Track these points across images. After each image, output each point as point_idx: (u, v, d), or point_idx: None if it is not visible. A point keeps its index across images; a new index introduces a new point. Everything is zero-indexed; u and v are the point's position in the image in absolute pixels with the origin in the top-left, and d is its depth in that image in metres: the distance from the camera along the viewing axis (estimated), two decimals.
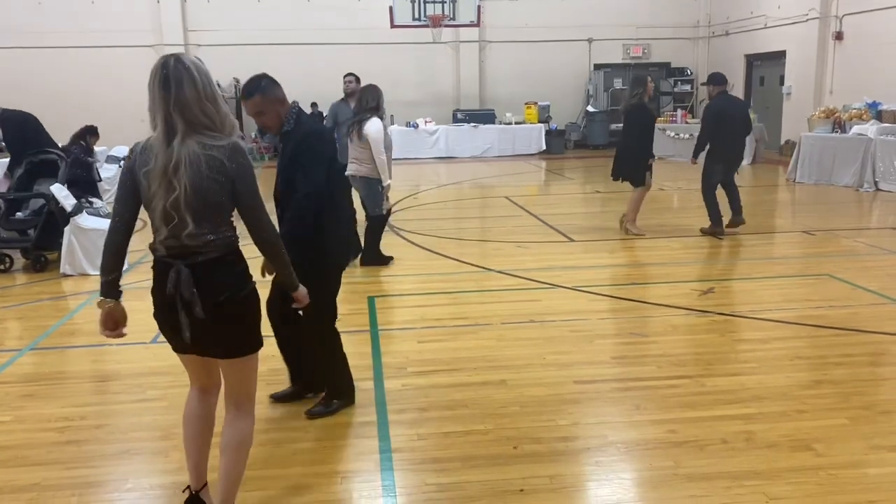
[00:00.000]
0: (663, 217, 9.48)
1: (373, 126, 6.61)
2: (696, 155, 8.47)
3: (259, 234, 2.72)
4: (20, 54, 18.20)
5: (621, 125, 8.68)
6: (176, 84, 2.48)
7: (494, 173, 15.16)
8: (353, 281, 6.83)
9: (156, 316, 2.71)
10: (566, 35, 19.86)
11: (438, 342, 5.04)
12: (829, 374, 4.27)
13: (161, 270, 2.63)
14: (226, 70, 18.97)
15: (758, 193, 11.97)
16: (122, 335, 2.72)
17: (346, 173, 6.69)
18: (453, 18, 16.48)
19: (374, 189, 6.85)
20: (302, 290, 2.97)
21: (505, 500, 3.05)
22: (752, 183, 13.15)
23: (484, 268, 7.09)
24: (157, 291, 2.65)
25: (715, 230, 8.25)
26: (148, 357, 4.67)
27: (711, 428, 3.62)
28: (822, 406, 3.86)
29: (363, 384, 4.28)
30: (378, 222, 7.13)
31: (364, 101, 6.68)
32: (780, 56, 17.03)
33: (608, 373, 4.39)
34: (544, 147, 18.87)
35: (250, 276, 2.72)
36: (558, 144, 19.16)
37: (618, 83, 20.26)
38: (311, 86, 19.20)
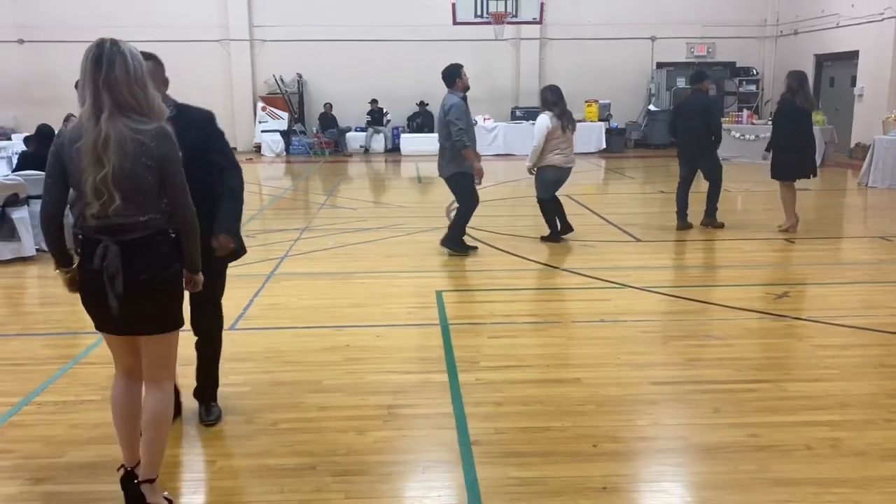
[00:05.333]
0: (731, 218, 9.28)
1: None
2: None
3: (180, 214, 2.76)
4: None
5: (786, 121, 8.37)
6: (108, 63, 2.58)
7: None
8: (421, 275, 6.89)
9: (82, 293, 2.81)
10: (629, 33, 19.64)
11: (509, 338, 5.05)
12: None
13: (88, 247, 2.72)
14: (289, 65, 19.36)
15: (828, 197, 11.66)
16: None
17: (567, 165, 7.79)
18: (516, 15, 16.44)
19: None
20: (200, 276, 2.99)
21: (588, 496, 3.05)
22: (821, 186, 12.78)
23: (550, 266, 7.07)
24: (84, 267, 2.75)
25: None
26: (228, 343, 4.72)
27: (795, 433, 3.56)
28: None
29: (437, 377, 4.34)
30: None
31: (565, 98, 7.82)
32: (852, 56, 16.52)
33: (684, 375, 4.34)
34: (604, 146, 18.70)
35: (176, 258, 2.83)
36: (618, 143, 18.97)
37: (680, 82, 19.90)
38: (372, 82, 19.43)
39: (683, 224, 8.51)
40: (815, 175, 8.51)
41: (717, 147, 8.48)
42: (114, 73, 2.58)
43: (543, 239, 8.00)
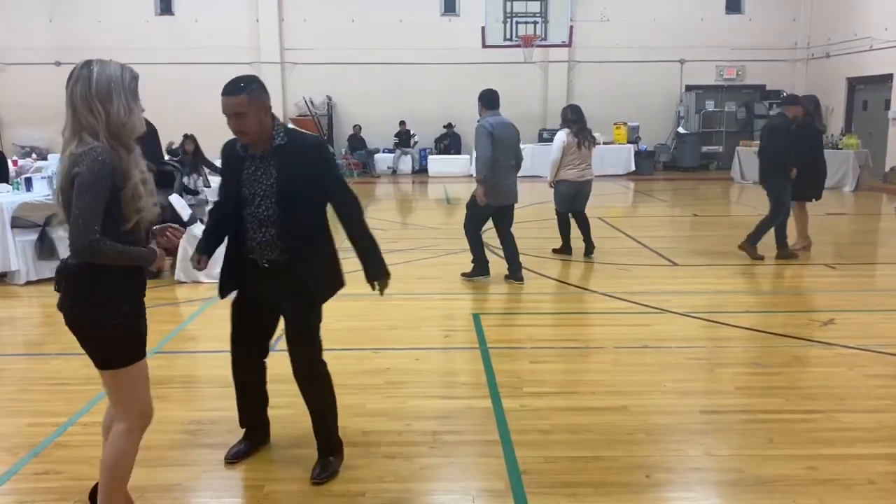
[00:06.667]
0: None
1: None
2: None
3: (70, 239, 2.56)
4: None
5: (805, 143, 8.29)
6: (73, 82, 2.62)
7: None
8: (455, 298, 6.85)
9: None
10: (658, 56, 19.61)
11: (551, 363, 4.99)
12: None
13: None
14: (318, 88, 19.55)
15: (865, 222, 11.48)
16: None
17: (584, 179, 8.17)
18: (545, 39, 16.45)
19: None
20: None
21: None
22: (856, 210, 12.63)
23: (586, 289, 7.00)
24: None
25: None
26: (272, 365, 4.75)
27: (855, 466, 3.45)
28: None
29: (479, 402, 4.28)
30: None
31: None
32: (886, 79, 16.35)
33: (734, 403, 4.24)
34: (633, 168, 18.62)
35: (112, 297, 2.69)
36: (647, 166, 18.87)
37: (709, 105, 19.85)
38: (400, 104, 19.56)
39: (784, 253, 8.20)
40: (818, 198, 8.54)
41: (781, 175, 7.94)
42: (77, 91, 2.60)
43: (555, 251, 8.53)
